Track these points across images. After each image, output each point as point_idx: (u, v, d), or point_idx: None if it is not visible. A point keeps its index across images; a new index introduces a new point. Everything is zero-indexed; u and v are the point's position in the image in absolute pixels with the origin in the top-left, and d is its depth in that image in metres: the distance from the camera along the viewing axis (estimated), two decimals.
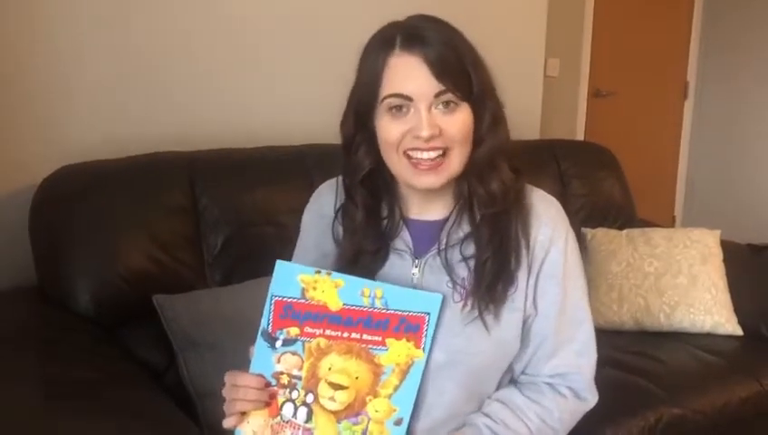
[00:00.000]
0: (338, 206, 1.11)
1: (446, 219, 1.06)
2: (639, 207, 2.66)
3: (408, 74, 0.96)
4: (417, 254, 1.06)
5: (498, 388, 1.09)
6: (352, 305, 0.99)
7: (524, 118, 2.80)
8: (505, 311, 1.03)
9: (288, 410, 1.00)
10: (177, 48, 1.99)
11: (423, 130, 0.96)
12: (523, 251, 1.04)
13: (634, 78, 3.83)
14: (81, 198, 1.66)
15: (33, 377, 1.32)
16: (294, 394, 1.00)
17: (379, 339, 0.99)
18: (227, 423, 1.01)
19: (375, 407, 1.00)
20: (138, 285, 1.64)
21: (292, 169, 1.89)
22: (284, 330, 0.99)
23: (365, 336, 0.99)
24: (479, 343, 1.02)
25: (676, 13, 4.00)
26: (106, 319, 1.62)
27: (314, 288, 0.99)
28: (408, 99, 0.96)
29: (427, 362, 1.00)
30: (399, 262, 1.06)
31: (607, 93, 3.76)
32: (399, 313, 0.99)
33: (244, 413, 1.01)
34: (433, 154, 0.98)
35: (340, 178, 1.11)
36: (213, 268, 1.77)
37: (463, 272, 1.03)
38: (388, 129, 0.99)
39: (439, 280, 1.04)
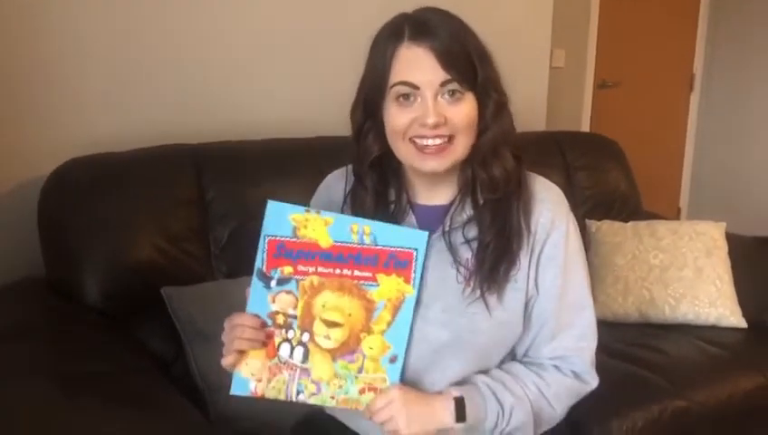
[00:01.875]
0: (347, 191, 1.14)
1: (451, 204, 1.10)
2: (645, 198, 2.66)
3: (416, 64, 1.00)
4: None
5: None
6: (342, 242, 1.02)
7: (530, 109, 2.80)
8: (508, 291, 1.06)
9: (285, 350, 1.03)
10: (184, 42, 2.00)
11: (429, 118, 0.99)
12: (525, 233, 1.07)
13: (640, 69, 3.81)
14: (90, 191, 1.67)
15: (43, 369, 1.33)
16: (290, 334, 1.03)
17: (370, 275, 1.02)
18: (225, 362, 1.04)
19: (369, 344, 1.02)
20: (145, 277, 1.66)
21: (300, 161, 1.89)
22: (278, 269, 1.02)
23: (356, 272, 1.02)
24: (482, 323, 1.05)
25: (682, 3, 3.97)
26: (114, 310, 1.63)
27: (305, 226, 1.02)
28: (415, 87, 1.00)
29: (417, 302, 1.03)
30: None
31: (612, 84, 3.75)
32: (388, 248, 1.02)
33: (242, 353, 1.03)
34: (438, 141, 1.02)
35: (350, 166, 1.15)
36: (220, 260, 1.78)
37: (466, 253, 1.07)
38: (396, 116, 1.02)
39: (443, 260, 1.07)
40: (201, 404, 1.50)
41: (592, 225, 2.32)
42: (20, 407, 1.21)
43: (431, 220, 1.09)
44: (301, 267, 1.02)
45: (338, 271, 1.02)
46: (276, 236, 1.02)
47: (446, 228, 1.08)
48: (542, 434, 1.19)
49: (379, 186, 1.10)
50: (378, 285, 1.02)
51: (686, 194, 4.28)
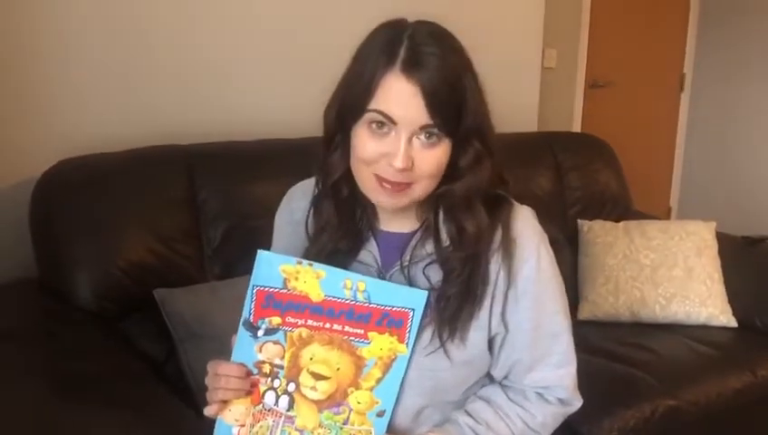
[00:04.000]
0: (311, 204, 1.08)
1: (413, 234, 1.05)
2: (635, 198, 2.67)
3: (401, 99, 0.93)
4: (384, 267, 1.05)
5: (465, 394, 1.09)
6: (334, 297, 0.98)
7: (522, 109, 2.80)
8: (469, 331, 1.01)
9: (270, 398, 1.01)
10: (177, 42, 1.99)
11: (397, 162, 0.93)
12: (492, 278, 1.02)
13: (631, 69, 3.83)
14: (81, 192, 1.67)
15: (36, 371, 1.33)
16: (276, 383, 1.00)
17: (362, 332, 0.98)
18: (208, 411, 1.02)
19: (357, 398, 1.00)
20: (138, 279, 1.66)
21: (293, 161, 1.87)
22: (266, 319, 0.99)
23: (347, 328, 0.98)
24: (442, 362, 1.01)
25: (673, 4, 3.99)
26: (106, 312, 1.63)
27: (296, 278, 0.98)
28: (393, 122, 0.93)
29: (411, 356, 1.00)
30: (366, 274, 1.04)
31: (603, 84, 3.76)
32: (382, 307, 0.98)
33: (226, 402, 1.01)
34: (399, 183, 0.96)
35: (314, 180, 1.09)
36: (212, 261, 1.78)
37: (427, 287, 1.02)
38: (364, 145, 0.95)
39: None
40: (193, 405, 1.50)
41: (584, 225, 2.33)
42: (11, 408, 1.21)
43: (392, 248, 1.04)
44: (289, 319, 0.99)
45: (328, 325, 0.98)
46: (265, 287, 0.99)
47: (406, 262, 1.02)
48: None
49: (343, 203, 1.04)
50: (369, 343, 0.98)
51: (676, 194, 4.30)
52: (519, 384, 1.07)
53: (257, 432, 1.01)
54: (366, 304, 0.98)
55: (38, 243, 1.67)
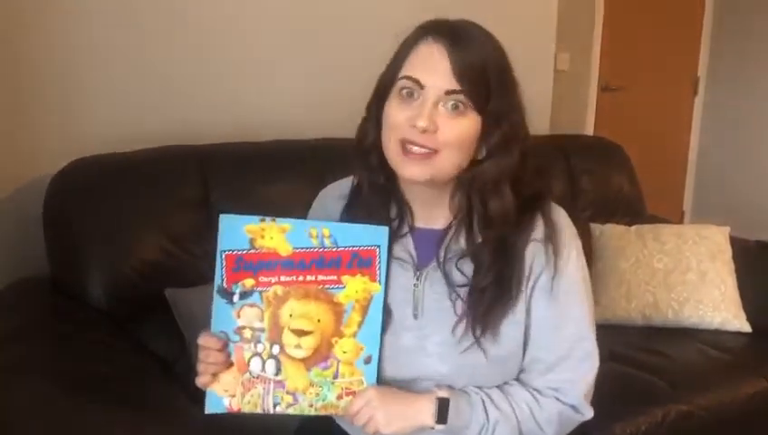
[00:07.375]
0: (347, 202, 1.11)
1: (447, 229, 1.05)
2: (648, 202, 2.66)
3: (429, 63, 0.96)
4: (420, 264, 1.05)
5: None
6: (303, 248, 0.98)
7: (534, 112, 2.74)
8: (504, 326, 1.02)
9: (256, 365, 1.00)
10: (191, 42, 2.00)
11: (420, 121, 0.94)
12: (526, 271, 1.02)
13: (644, 73, 3.81)
14: (95, 191, 1.68)
15: (47, 370, 1.33)
16: (260, 347, 1.00)
17: (335, 278, 0.99)
18: (198, 382, 1.01)
19: (342, 348, 1.00)
20: (150, 278, 1.66)
21: (304, 163, 1.89)
22: (239, 283, 0.98)
23: (320, 277, 0.99)
24: (479, 359, 1.02)
25: (687, 7, 3.97)
26: (118, 311, 1.64)
27: (262, 237, 0.98)
28: (420, 86, 0.96)
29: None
30: (402, 272, 1.05)
31: (616, 88, 3.75)
32: (350, 249, 0.99)
33: (215, 373, 1.00)
34: (424, 150, 0.96)
35: (348, 180, 1.12)
36: None
37: (463, 282, 1.03)
38: (394, 111, 0.98)
39: (440, 292, 1.03)
40: (203, 405, 1.50)
41: (596, 228, 2.31)
42: (23, 407, 1.21)
43: (429, 244, 1.05)
44: (262, 278, 0.98)
45: (301, 278, 0.98)
46: (233, 251, 0.98)
47: (441, 259, 1.03)
48: None
49: (380, 197, 1.06)
50: (344, 287, 0.99)
51: (689, 198, 4.28)
52: (533, 384, 1.06)
53: (249, 401, 1.01)
54: (334, 249, 0.99)
55: (51, 242, 1.68)
